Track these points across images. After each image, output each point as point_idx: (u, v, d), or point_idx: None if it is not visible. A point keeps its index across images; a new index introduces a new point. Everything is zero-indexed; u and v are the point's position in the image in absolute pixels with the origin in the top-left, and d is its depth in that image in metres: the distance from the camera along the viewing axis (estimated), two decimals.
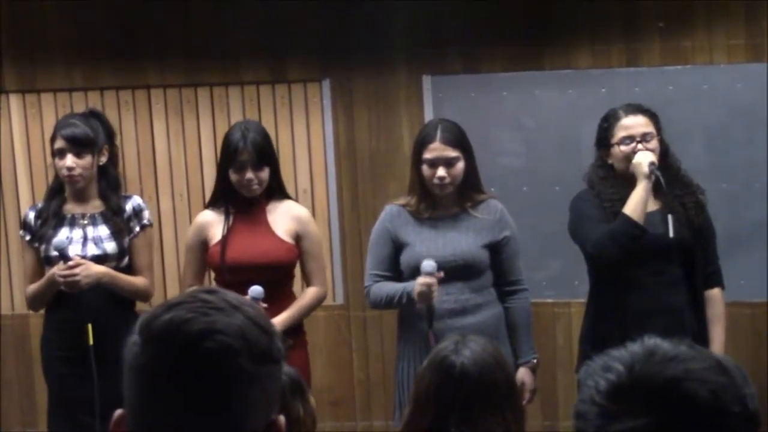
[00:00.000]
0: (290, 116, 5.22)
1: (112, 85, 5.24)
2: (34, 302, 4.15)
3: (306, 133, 5.24)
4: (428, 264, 3.68)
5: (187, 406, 1.27)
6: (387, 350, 5.15)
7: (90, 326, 3.88)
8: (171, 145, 5.28)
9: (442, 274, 3.71)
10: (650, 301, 3.84)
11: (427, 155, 3.84)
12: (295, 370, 2.77)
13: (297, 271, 4.20)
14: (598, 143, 3.97)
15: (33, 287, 4.10)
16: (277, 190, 4.09)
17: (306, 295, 4.09)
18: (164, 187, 5.26)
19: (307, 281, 4.13)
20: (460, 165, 3.85)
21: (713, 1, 4.97)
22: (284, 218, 4.05)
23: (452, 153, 3.83)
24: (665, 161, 3.90)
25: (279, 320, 3.93)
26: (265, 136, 4.03)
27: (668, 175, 3.88)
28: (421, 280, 3.68)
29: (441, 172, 3.81)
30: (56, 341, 4.08)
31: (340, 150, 5.25)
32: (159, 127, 5.26)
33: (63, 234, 4.04)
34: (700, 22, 5.00)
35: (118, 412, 1.33)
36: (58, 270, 3.91)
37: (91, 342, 3.88)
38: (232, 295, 1.35)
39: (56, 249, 3.91)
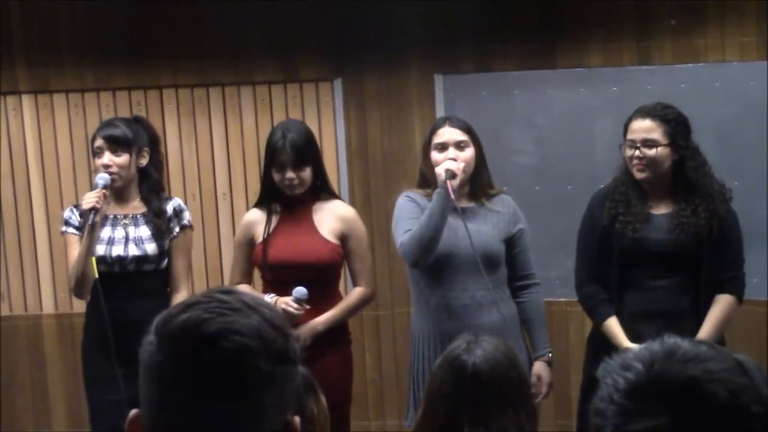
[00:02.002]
0: (302, 116, 5.21)
1: (124, 85, 5.25)
2: (77, 276, 3.98)
3: (318, 133, 5.22)
4: (449, 162, 3.74)
5: (204, 407, 1.27)
6: (400, 349, 5.15)
7: (93, 259, 3.88)
8: (183, 146, 5.29)
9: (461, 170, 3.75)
10: (647, 304, 3.83)
11: (437, 140, 3.86)
12: (305, 369, 2.76)
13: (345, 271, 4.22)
14: (624, 136, 3.94)
15: (74, 258, 3.99)
16: (323, 190, 4.09)
17: (351, 295, 4.09)
18: (176, 187, 5.26)
19: (353, 281, 4.14)
20: (470, 151, 3.86)
21: None
22: (330, 218, 4.05)
23: (461, 136, 3.85)
24: (681, 168, 3.84)
25: (322, 319, 3.94)
26: (306, 137, 4.02)
27: (685, 181, 3.84)
28: (443, 166, 3.74)
29: (451, 154, 3.81)
30: (92, 344, 4.07)
31: (351, 149, 5.26)
32: (171, 128, 5.27)
33: (105, 233, 4.03)
34: (712, 19, 4.98)
35: (134, 411, 1.33)
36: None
37: (96, 275, 3.87)
38: (248, 296, 1.35)
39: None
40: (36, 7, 5.22)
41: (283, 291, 3.82)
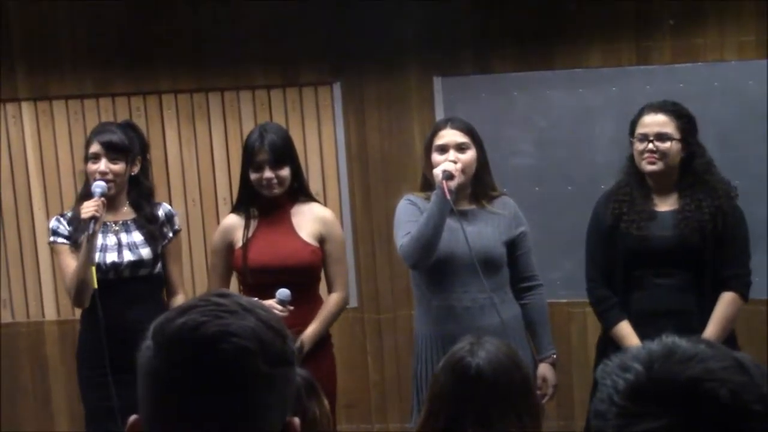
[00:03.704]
0: (302, 120, 5.22)
1: (123, 91, 5.25)
2: (77, 286, 3.97)
3: (317, 137, 5.24)
4: (447, 163, 3.74)
5: (203, 410, 1.27)
6: (401, 352, 5.15)
7: (94, 268, 3.87)
8: (183, 151, 5.29)
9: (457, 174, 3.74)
10: (654, 303, 3.83)
11: (438, 141, 3.86)
12: (307, 372, 2.76)
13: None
14: (630, 135, 3.95)
15: (69, 268, 3.99)
16: (301, 192, 4.09)
17: (329, 303, 4.08)
18: (177, 192, 5.26)
19: (329, 286, 4.13)
20: (471, 153, 3.85)
21: None
22: (309, 220, 4.05)
23: (462, 138, 3.85)
24: (690, 164, 3.87)
25: (307, 334, 3.96)
26: (284, 137, 4.04)
27: (691, 178, 3.86)
28: (441, 167, 3.74)
29: (451, 156, 3.81)
30: (87, 350, 4.06)
31: (351, 153, 5.26)
32: (171, 133, 5.27)
33: (97, 240, 4.00)
34: (711, 19, 4.98)
35: (134, 416, 1.33)
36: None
37: (95, 285, 3.86)
38: (244, 298, 1.35)
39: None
40: (35, 14, 5.22)
41: (264, 295, 3.79)
